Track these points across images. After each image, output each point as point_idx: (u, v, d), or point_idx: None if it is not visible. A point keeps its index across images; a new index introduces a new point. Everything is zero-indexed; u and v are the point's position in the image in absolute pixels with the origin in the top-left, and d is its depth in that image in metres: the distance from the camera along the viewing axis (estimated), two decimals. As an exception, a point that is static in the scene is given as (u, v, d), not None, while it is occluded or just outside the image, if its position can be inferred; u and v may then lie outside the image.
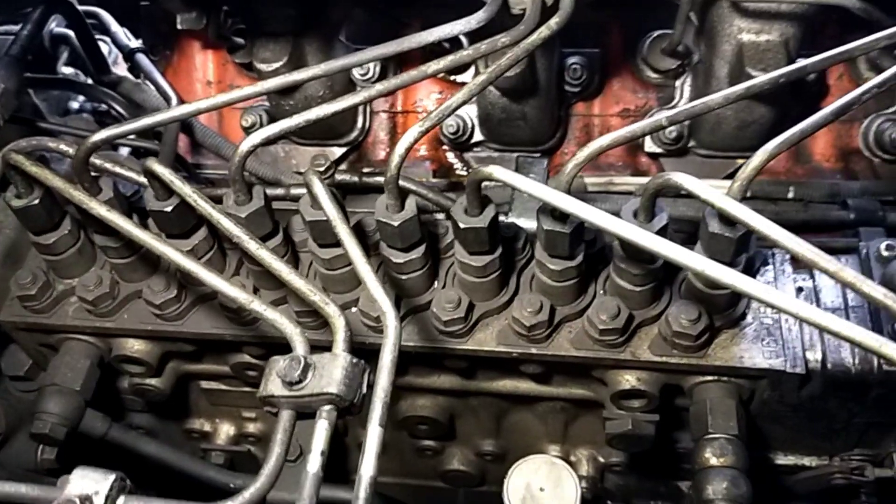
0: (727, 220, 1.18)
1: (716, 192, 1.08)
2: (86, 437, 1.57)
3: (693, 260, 1.04)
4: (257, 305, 1.09)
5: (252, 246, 1.15)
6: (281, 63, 1.71)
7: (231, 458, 1.79)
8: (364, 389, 1.01)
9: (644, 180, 1.90)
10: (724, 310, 1.31)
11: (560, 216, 1.22)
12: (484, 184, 1.21)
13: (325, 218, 1.25)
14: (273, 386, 1.01)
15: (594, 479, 1.64)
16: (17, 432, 1.72)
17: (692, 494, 1.45)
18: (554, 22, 1.28)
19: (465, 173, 1.98)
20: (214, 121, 2.11)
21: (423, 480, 1.82)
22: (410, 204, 1.28)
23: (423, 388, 1.55)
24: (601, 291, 1.35)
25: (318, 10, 1.73)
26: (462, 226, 1.25)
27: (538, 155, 1.90)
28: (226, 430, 1.80)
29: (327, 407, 0.99)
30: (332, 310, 1.06)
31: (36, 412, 1.48)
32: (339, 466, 1.87)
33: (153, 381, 1.57)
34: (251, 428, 1.78)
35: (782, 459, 1.53)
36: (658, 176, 1.15)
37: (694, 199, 1.72)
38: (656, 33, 1.79)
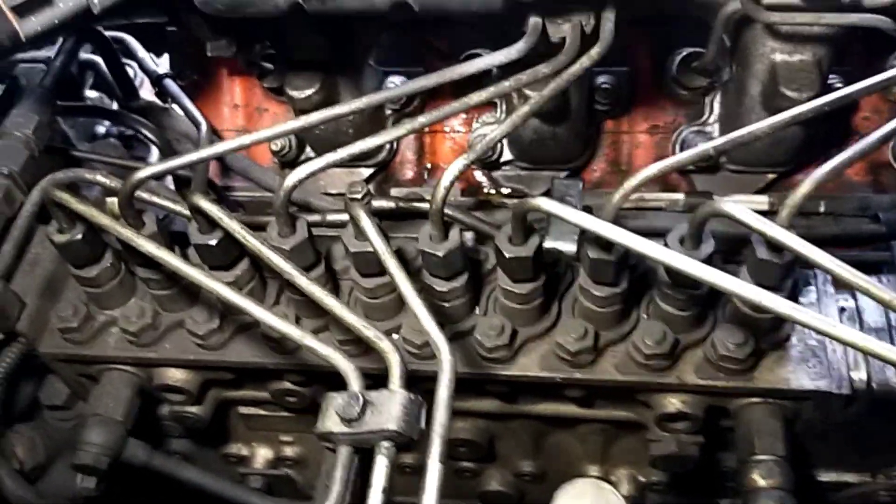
0: (775, 246, 1.18)
1: (766, 223, 1.09)
2: (125, 464, 1.58)
3: (745, 290, 1.04)
4: (310, 341, 1.10)
5: (303, 282, 1.16)
6: (313, 90, 1.72)
7: (269, 483, 1.80)
8: (422, 425, 1.02)
9: (675, 196, 1.90)
10: (770, 332, 1.31)
11: (606, 244, 1.23)
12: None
13: (370, 250, 1.25)
14: (331, 422, 1.01)
15: (635, 499, 1.65)
16: (55, 462, 1.72)
17: (737, 515, 1.45)
18: (594, 52, 1.29)
19: (493, 192, 1.98)
20: (241, 143, 2.12)
21: (460, 501, 1.82)
22: (454, 234, 1.28)
23: (463, 412, 1.56)
24: (644, 316, 1.36)
25: (348, 37, 1.73)
26: (507, 255, 1.26)
27: (567, 172, 1.91)
28: (263, 455, 1.80)
29: (386, 443, 1.00)
30: (386, 346, 1.06)
31: (79, 443, 1.49)
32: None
33: (193, 409, 1.58)
34: (289, 452, 1.78)
35: (826, 476, 1.53)
36: (706, 204, 1.16)
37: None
38: (685, 51, 1.79)
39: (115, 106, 2.16)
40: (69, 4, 1.34)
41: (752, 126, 1.18)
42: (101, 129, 2.21)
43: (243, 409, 1.69)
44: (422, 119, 1.29)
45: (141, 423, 1.60)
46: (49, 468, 1.72)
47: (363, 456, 1.02)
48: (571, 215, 1.15)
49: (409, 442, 1.01)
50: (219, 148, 1.33)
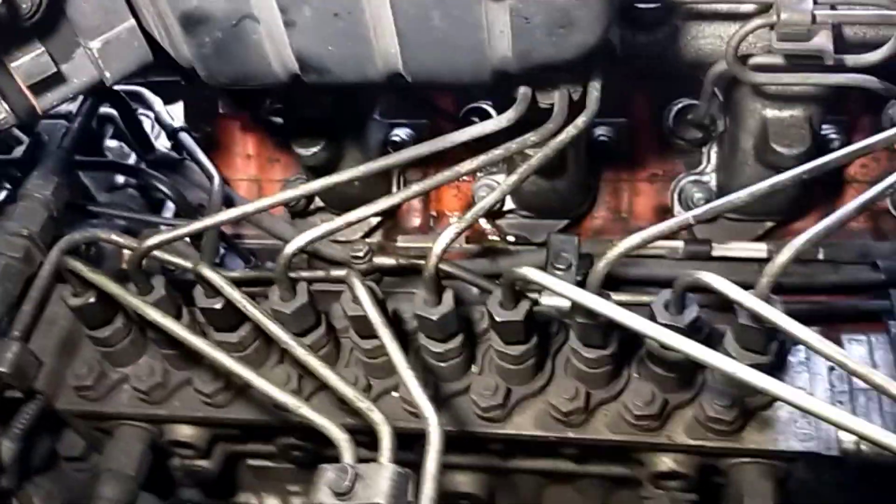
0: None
1: (744, 294, 1.12)
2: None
3: (724, 363, 1.07)
4: (306, 411, 1.15)
5: (300, 353, 1.21)
6: (319, 147, 1.78)
7: (278, 530, 1.85)
8: (410, 497, 1.06)
9: (675, 244, 1.92)
10: (757, 393, 1.33)
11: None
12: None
13: (365, 314, 1.30)
14: (322, 495, 1.05)
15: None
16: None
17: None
18: (580, 121, 1.33)
19: (497, 238, 2.02)
20: (254, 191, 2.19)
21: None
22: (448, 298, 1.33)
23: (463, 466, 1.59)
24: (635, 375, 1.39)
25: (352, 95, 1.79)
26: (498, 319, 1.30)
27: (569, 220, 1.95)
28: (272, 504, 1.86)
29: (374, 516, 1.04)
30: (377, 418, 1.10)
31: (92, 497, 1.55)
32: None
33: (203, 463, 1.64)
34: (296, 502, 1.83)
35: (821, 534, 1.54)
36: (687, 274, 1.18)
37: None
38: (681, 104, 1.82)
39: (133, 155, 2.24)
40: (83, 79, 1.40)
41: (733, 196, 1.21)
42: (119, 180, 2.29)
43: (251, 462, 1.75)
44: (415, 188, 1.35)
45: (153, 473, 1.66)
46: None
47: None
48: (556, 286, 1.19)
49: (398, 513, 1.05)
50: (226, 215, 1.38)
